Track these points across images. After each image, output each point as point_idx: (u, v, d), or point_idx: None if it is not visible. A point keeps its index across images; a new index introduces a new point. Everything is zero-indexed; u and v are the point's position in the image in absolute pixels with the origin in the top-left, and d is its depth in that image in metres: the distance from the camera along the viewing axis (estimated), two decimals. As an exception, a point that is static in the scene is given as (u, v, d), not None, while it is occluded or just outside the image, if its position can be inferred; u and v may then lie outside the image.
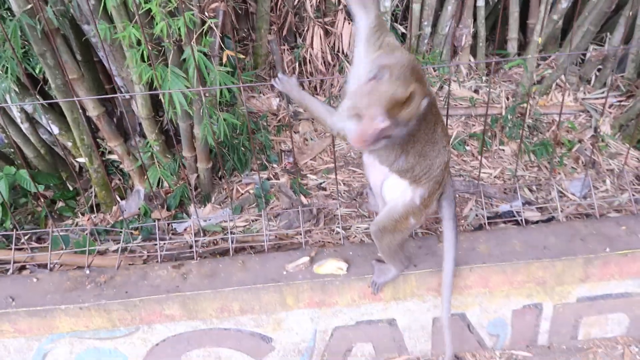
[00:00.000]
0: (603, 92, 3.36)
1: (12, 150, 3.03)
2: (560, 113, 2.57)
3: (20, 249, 2.45)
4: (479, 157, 2.85)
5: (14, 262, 2.27)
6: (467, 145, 3.24)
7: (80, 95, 2.51)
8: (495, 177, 3.02)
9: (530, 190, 2.89)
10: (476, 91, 3.73)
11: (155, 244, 2.39)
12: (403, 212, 1.80)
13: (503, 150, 3.22)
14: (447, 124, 3.30)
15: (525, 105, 3.26)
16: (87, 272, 2.18)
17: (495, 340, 2.29)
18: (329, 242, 2.49)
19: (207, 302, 2.05)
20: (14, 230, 2.40)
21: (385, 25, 1.73)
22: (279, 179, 3.02)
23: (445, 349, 2.10)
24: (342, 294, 2.07)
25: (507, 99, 3.61)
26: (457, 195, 2.67)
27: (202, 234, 2.54)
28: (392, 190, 1.82)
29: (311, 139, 3.42)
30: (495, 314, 2.21)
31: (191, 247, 2.34)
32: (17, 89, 2.54)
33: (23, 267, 2.45)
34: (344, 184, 2.95)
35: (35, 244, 2.70)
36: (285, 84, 1.80)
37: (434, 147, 1.74)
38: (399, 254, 1.94)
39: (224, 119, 2.60)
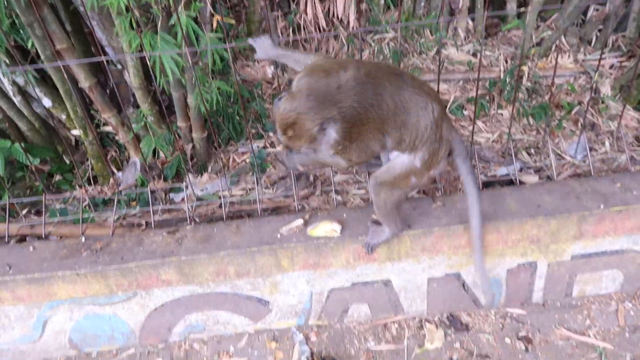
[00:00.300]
0: (604, 53, 3.29)
1: (7, 124, 3.02)
2: (554, 75, 2.51)
3: (18, 222, 2.46)
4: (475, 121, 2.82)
5: (12, 236, 2.29)
6: (465, 110, 3.20)
7: (71, 65, 2.49)
8: (493, 141, 2.99)
9: (528, 154, 2.87)
10: (474, 55, 3.66)
11: (154, 212, 2.40)
12: (404, 172, 1.77)
13: (501, 114, 3.18)
14: (440, 89, 3.27)
15: (523, 67, 3.21)
16: (83, 239, 2.20)
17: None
18: (326, 208, 2.49)
19: (202, 266, 2.06)
20: (8, 200, 2.41)
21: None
22: (275, 147, 3.01)
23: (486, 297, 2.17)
24: (337, 256, 2.08)
25: (506, 61, 3.55)
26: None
27: (198, 203, 2.54)
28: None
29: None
30: (490, 273, 2.21)
31: (188, 217, 2.35)
32: (7, 61, 2.52)
33: (23, 239, 2.47)
34: None
35: (34, 217, 2.72)
36: (259, 43, 1.81)
37: (409, 113, 1.67)
38: (395, 213, 1.93)
39: (218, 87, 2.58)
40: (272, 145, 3.05)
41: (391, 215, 1.92)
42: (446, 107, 3.17)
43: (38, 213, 2.79)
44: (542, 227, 2.05)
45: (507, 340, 2.19)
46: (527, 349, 2.14)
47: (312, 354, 2.21)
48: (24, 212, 2.75)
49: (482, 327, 2.26)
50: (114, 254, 2.10)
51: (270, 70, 3.53)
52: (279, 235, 2.09)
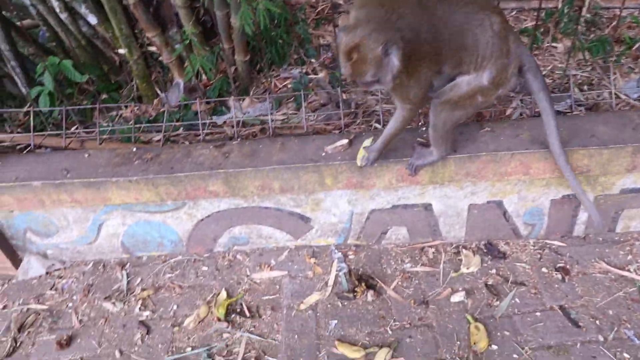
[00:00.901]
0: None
1: (54, 43, 3.07)
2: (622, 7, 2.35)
3: (69, 137, 2.55)
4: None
5: (65, 147, 2.39)
6: None
7: None
8: (545, 75, 2.87)
9: (581, 90, 2.75)
10: (532, -18, 3.45)
11: (197, 134, 2.45)
12: (470, 91, 1.74)
13: (555, 47, 3.02)
14: None
15: None
16: (134, 149, 2.28)
17: (531, 229, 2.30)
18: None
19: (248, 179, 2.12)
20: (62, 114, 2.50)
21: None
22: (317, 74, 2.98)
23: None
24: (380, 177, 2.09)
25: (566, -9, 3.34)
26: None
27: (241, 126, 2.57)
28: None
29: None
30: (533, 203, 2.20)
31: (231, 138, 2.39)
32: None
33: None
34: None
35: (84, 134, 2.82)
36: None
37: (465, 35, 1.63)
38: (449, 135, 1.92)
39: (264, 7, 2.53)
40: (314, 71, 3.02)
41: (445, 137, 1.91)
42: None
43: (86, 129, 2.89)
44: (593, 157, 2.00)
45: (544, 270, 2.20)
46: (563, 279, 2.15)
47: (349, 270, 2.29)
48: (74, 128, 2.86)
49: (520, 257, 2.28)
50: (164, 164, 2.18)
51: None
52: (323, 154, 2.11)
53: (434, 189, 2.17)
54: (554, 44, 3.04)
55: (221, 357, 2.03)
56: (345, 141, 2.12)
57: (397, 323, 2.08)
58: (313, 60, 3.07)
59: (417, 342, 1.99)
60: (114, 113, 3.00)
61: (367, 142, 2.07)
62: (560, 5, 3.07)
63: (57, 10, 2.80)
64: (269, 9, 2.50)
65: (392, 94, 1.78)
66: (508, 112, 2.49)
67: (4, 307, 2.35)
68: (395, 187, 2.16)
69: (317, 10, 3.47)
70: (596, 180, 2.11)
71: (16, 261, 2.49)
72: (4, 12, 2.84)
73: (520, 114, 2.49)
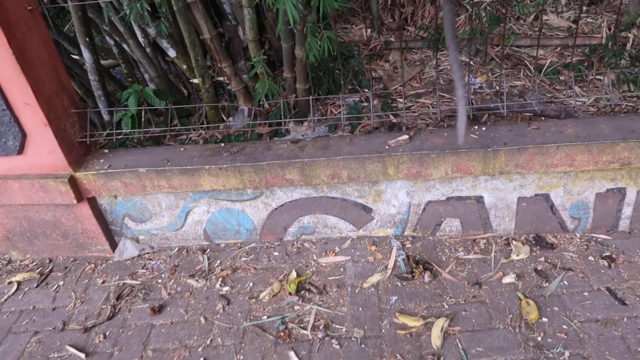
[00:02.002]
0: None
1: (130, 79, 3.56)
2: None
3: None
4: (573, 87, 2.89)
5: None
6: (562, 75, 3.29)
7: (197, 18, 2.93)
8: (589, 105, 3.08)
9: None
10: (575, 21, 3.75)
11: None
12: None
13: (600, 80, 3.23)
14: (538, 54, 3.38)
15: (628, 34, 3.25)
16: (222, 144, 2.66)
17: (577, 223, 2.48)
18: (428, 128, 2.77)
19: (320, 168, 2.44)
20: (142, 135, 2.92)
21: None
22: (369, 102, 3.33)
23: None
24: (437, 167, 2.36)
25: (609, 29, 3.61)
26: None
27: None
28: None
29: (400, 67, 3.68)
30: (579, 197, 2.40)
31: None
32: (145, 13, 3.01)
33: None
34: (432, 106, 3.19)
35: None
36: None
37: None
38: None
39: (328, 37, 2.93)
40: (367, 100, 3.38)
41: None
42: (541, 71, 3.29)
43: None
44: (633, 150, 2.20)
45: (591, 258, 2.37)
46: (609, 266, 2.31)
47: (407, 256, 2.52)
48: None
49: (567, 247, 2.45)
50: (248, 155, 2.54)
51: (367, 33, 3.87)
52: (386, 147, 2.42)
53: (485, 182, 2.42)
54: (598, 77, 3.26)
55: (293, 324, 2.28)
56: (406, 136, 2.43)
57: (453, 300, 2.28)
58: (366, 90, 3.44)
59: (471, 315, 2.18)
60: (184, 137, 3.42)
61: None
62: (603, 42, 3.32)
63: (143, 45, 3.29)
64: (330, 40, 2.89)
65: None
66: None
67: (103, 282, 2.70)
68: (450, 179, 2.42)
69: (369, 48, 3.90)
70: (638, 174, 2.30)
71: (113, 244, 2.87)
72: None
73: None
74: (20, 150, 2.52)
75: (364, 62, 3.66)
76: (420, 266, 2.44)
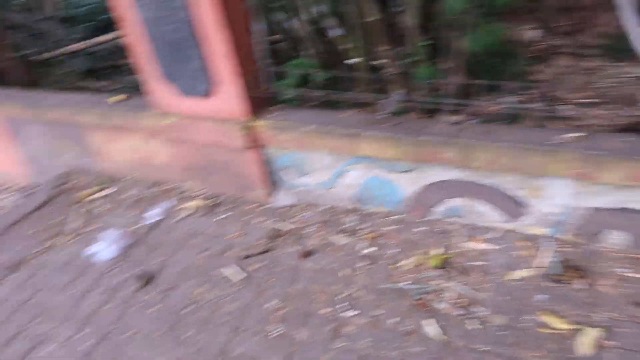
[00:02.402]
0: None
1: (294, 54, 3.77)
2: None
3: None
4: None
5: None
6: None
7: (363, 1, 2.99)
8: None
9: None
10: None
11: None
12: None
13: None
14: None
15: None
16: (383, 116, 2.77)
17: None
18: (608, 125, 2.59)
19: (480, 151, 2.40)
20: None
21: None
22: (527, 104, 3.14)
23: None
24: (612, 170, 2.18)
25: None
26: None
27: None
28: None
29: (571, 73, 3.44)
30: None
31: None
32: None
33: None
34: (601, 118, 2.93)
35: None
36: None
37: None
38: None
39: (492, 32, 2.82)
40: (525, 102, 3.20)
41: None
42: None
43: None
44: None
45: None
46: None
47: (561, 259, 2.40)
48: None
49: None
50: (408, 128, 2.61)
51: (531, 34, 3.66)
52: (554, 141, 2.30)
53: (667, 196, 2.19)
54: None
55: (431, 297, 2.33)
56: (580, 133, 2.29)
57: (607, 314, 2.13)
58: (528, 92, 3.25)
59: (630, 334, 2.03)
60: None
61: None
62: None
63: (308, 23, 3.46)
64: (494, 35, 2.77)
65: None
66: None
67: (261, 222, 3.02)
68: (624, 187, 2.23)
69: (533, 49, 3.69)
70: None
71: (273, 191, 3.18)
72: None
73: None
74: (209, 94, 2.90)
75: (526, 64, 3.49)
76: (575, 272, 2.31)
